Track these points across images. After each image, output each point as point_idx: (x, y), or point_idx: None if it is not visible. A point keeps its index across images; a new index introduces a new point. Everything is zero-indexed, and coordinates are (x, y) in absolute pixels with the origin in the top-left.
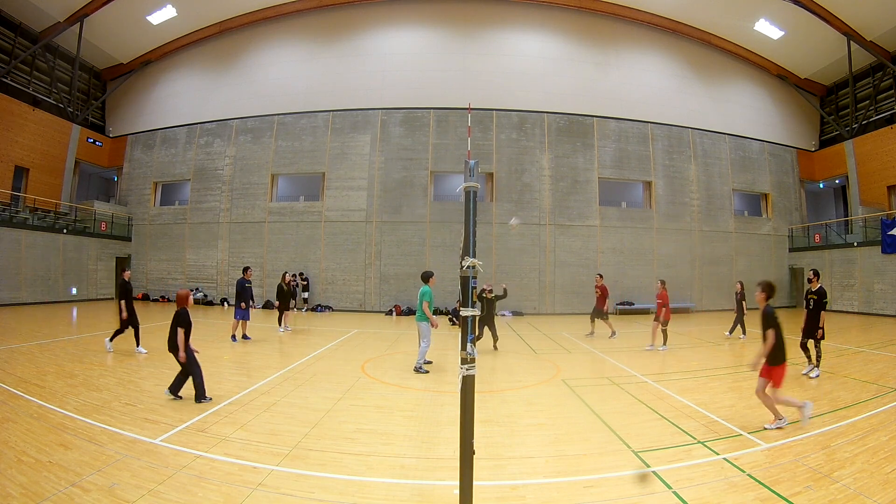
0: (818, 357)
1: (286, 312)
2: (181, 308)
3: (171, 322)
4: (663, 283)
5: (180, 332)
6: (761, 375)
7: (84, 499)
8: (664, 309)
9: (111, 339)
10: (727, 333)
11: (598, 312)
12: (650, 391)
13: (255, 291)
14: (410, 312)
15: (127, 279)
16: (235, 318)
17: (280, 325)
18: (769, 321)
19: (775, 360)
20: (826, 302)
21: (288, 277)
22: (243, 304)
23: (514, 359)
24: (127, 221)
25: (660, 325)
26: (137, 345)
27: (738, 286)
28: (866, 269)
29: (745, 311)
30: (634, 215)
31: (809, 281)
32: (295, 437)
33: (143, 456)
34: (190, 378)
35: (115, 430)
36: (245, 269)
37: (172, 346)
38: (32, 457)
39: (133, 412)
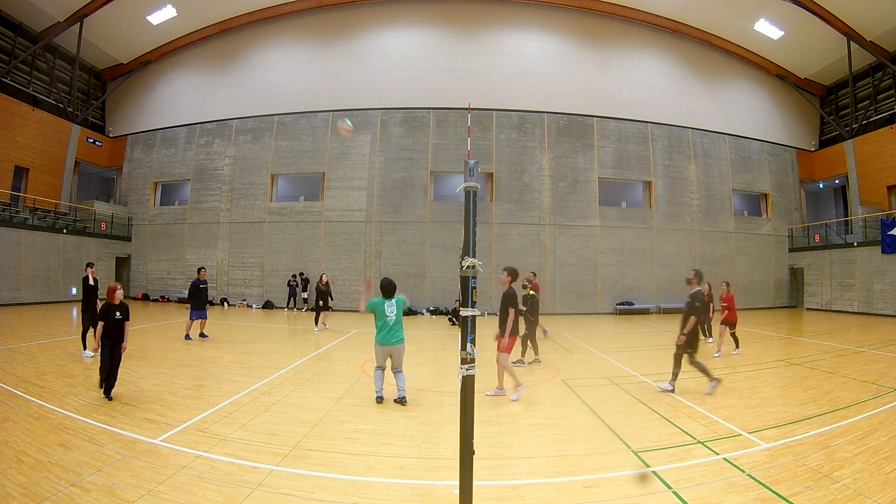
0: (704, 371)
1: (325, 313)
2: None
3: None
4: (728, 284)
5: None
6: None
7: (84, 499)
8: (727, 311)
9: (85, 346)
10: (709, 340)
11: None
12: (650, 391)
13: (254, 291)
14: (410, 312)
15: (90, 277)
16: (191, 318)
17: (316, 324)
18: (510, 302)
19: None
20: (698, 306)
21: (325, 279)
22: (189, 305)
23: (514, 359)
24: (127, 221)
25: (727, 329)
26: (84, 347)
27: (706, 287)
28: (866, 269)
29: (712, 313)
30: (634, 215)
31: (689, 282)
32: (295, 437)
33: (143, 456)
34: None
35: (115, 430)
36: (199, 270)
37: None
38: (32, 457)
39: (133, 412)
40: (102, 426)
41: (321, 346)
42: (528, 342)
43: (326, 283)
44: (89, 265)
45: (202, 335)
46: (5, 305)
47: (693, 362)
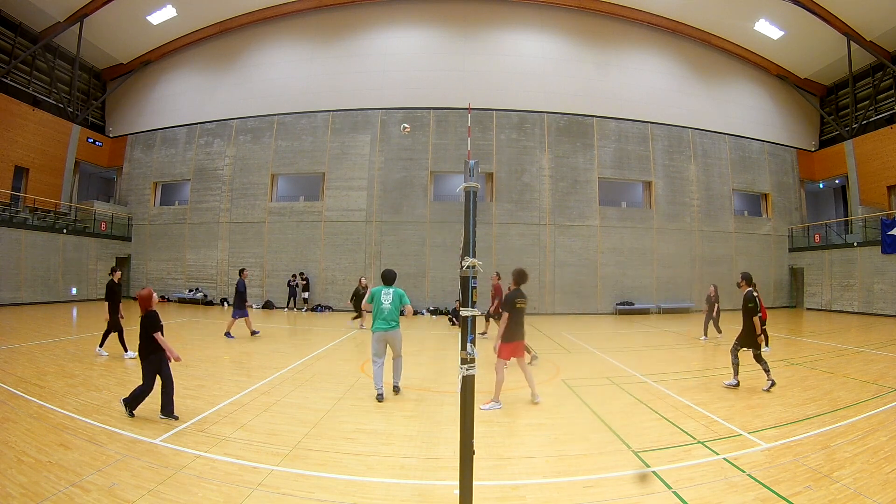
0: (765, 369)
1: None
2: (149, 311)
3: (140, 327)
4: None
5: (157, 336)
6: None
7: (84, 499)
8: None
9: (101, 345)
10: (702, 338)
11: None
12: (650, 391)
13: (254, 291)
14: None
15: (116, 280)
16: (234, 316)
17: (361, 325)
18: (507, 305)
19: (511, 338)
20: (752, 307)
21: (364, 282)
22: (244, 304)
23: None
24: (127, 221)
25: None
26: (125, 350)
27: (712, 289)
28: (866, 269)
29: (719, 313)
30: (634, 215)
31: (738, 286)
32: (295, 437)
33: (143, 456)
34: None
35: (115, 430)
36: (241, 271)
37: (146, 353)
38: (32, 457)
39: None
40: (102, 426)
41: (321, 346)
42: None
43: (366, 286)
44: (114, 269)
45: (254, 332)
46: (5, 305)
47: (756, 357)
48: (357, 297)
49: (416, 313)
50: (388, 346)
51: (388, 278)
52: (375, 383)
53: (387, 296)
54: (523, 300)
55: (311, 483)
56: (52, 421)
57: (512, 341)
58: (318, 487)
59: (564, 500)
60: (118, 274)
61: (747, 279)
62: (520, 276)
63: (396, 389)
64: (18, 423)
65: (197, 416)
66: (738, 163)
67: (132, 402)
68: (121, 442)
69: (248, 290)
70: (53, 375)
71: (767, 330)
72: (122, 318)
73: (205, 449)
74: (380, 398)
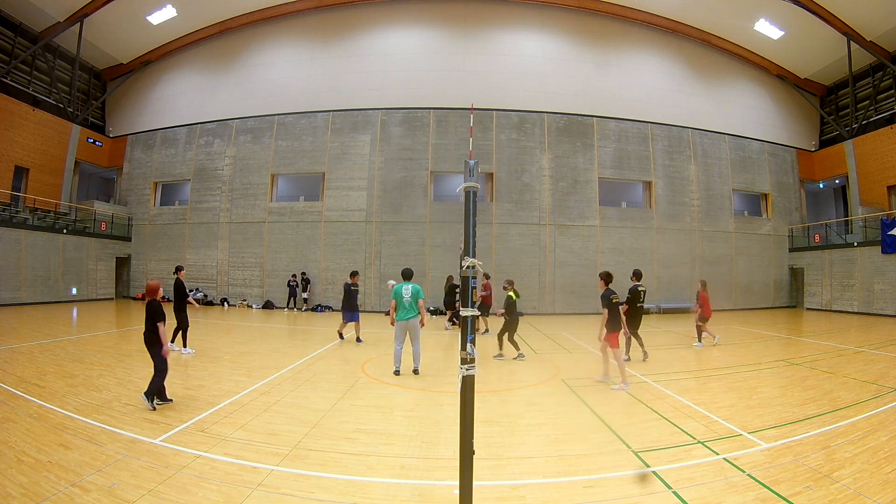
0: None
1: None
2: (153, 300)
3: (145, 317)
4: (704, 283)
5: (160, 326)
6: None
7: (84, 499)
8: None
9: (173, 340)
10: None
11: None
12: (650, 391)
13: (254, 291)
14: None
15: (182, 279)
16: (345, 320)
17: (453, 323)
18: (604, 302)
19: (612, 329)
20: (615, 303)
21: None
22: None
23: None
24: (127, 221)
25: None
26: (184, 346)
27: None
28: (866, 269)
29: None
30: (634, 215)
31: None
32: (295, 437)
33: (143, 456)
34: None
35: (115, 430)
36: (354, 274)
37: (151, 342)
38: (32, 457)
39: (133, 412)
40: (102, 426)
41: (321, 347)
42: (505, 340)
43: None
44: (180, 268)
45: (358, 339)
46: (5, 305)
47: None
48: (452, 295)
49: None
50: (407, 333)
51: (407, 275)
52: (395, 362)
53: (407, 291)
54: (617, 297)
55: (311, 483)
56: (52, 421)
57: (615, 332)
58: (318, 487)
59: (564, 500)
60: (183, 273)
61: (605, 279)
62: (608, 277)
63: (416, 371)
64: (18, 423)
65: (197, 416)
66: (738, 163)
67: (151, 394)
68: (121, 442)
69: (249, 290)
70: (53, 375)
71: (767, 331)
72: (196, 307)
73: (205, 449)
74: (396, 373)
